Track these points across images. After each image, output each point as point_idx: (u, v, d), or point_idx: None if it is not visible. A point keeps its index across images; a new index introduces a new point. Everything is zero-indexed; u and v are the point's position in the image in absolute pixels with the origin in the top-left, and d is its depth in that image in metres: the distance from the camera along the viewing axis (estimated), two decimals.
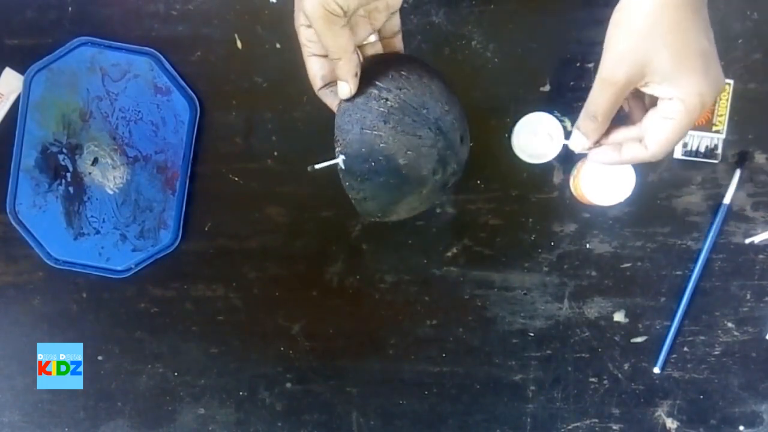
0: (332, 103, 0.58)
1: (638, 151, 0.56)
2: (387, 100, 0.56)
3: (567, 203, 0.77)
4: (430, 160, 0.57)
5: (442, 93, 0.58)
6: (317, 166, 0.58)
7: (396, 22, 0.60)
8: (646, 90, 0.54)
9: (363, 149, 0.56)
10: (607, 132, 0.58)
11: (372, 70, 0.56)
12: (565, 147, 0.74)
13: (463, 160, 0.60)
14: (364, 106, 0.56)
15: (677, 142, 0.55)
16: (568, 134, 0.74)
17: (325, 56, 0.57)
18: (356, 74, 0.55)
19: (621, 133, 0.58)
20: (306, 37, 0.56)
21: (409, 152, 0.56)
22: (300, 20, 0.56)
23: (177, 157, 0.77)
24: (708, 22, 0.52)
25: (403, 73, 0.57)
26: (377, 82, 0.56)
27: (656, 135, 0.54)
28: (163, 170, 0.77)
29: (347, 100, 0.56)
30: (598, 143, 0.59)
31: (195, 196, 0.78)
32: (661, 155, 0.55)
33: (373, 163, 0.56)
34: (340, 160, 0.57)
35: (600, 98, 0.55)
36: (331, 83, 0.58)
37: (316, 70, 0.58)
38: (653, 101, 0.55)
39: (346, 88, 0.55)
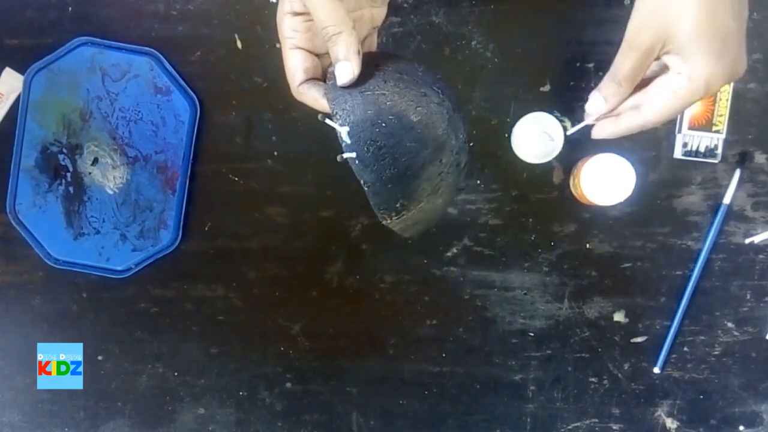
0: (313, 99, 0.54)
1: (633, 118, 0.55)
2: (379, 66, 0.51)
3: (567, 203, 0.77)
4: (442, 119, 0.51)
5: (428, 69, 0.54)
6: (327, 121, 0.51)
7: (374, 40, 0.58)
8: (663, 58, 0.53)
9: (369, 111, 0.49)
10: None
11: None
12: (565, 147, 0.75)
13: (464, 134, 0.55)
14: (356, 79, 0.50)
15: (672, 116, 0.54)
16: (567, 134, 0.74)
17: (309, 50, 0.53)
18: (359, 51, 0.50)
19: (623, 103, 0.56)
20: (291, 27, 0.53)
21: (419, 108, 0.50)
22: (285, 8, 0.53)
23: (177, 157, 0.77)
24: (745, 4, 0.52)
25: (383, 55, 0.54)
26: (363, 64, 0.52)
27: (654, 103, 0.53)
28: (163, 170, 0.77)
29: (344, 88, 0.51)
30: (611, 112, 0.56)
31: (195, 196, 0.78)
32: (652, 124, 0.54)
33: (383, 124, 0.49)
34: (344, 131, 0.49)
35: (623, 62, 0.53)
36: (312, 78, 0.54)
37: (298, 62, 0.53)
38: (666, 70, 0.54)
39: (348, 68, 0.50)
